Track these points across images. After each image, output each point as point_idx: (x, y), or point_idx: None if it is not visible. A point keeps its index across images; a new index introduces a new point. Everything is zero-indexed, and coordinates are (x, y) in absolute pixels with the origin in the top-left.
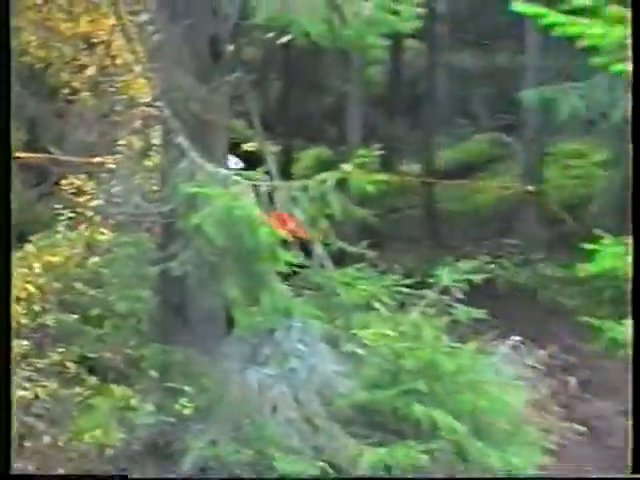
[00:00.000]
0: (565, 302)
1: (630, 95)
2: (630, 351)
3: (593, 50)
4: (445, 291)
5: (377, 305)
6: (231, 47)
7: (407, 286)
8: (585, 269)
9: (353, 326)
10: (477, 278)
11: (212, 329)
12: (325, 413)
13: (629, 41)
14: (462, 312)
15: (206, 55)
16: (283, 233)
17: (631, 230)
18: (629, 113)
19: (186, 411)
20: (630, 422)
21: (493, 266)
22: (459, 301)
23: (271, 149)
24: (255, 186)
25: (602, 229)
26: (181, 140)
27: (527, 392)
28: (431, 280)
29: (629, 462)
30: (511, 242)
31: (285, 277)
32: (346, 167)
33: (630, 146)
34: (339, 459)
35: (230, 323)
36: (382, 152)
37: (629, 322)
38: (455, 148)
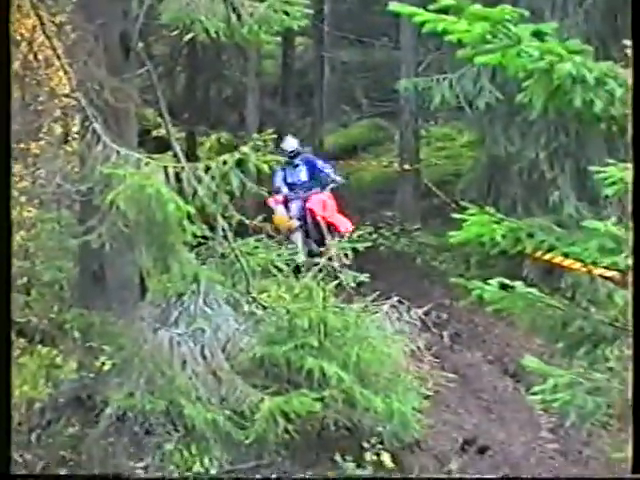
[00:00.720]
0: (438, 266)
1: (630, 95)
2: (631, 352)
3: (459, 44)
4: (334, 257)
5: (274, 271)
6: (140, 44)
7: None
8: (455, 236)
9: (253, 290)
10: (361, 246)
11: (127, 294)
12: (228, 367)
13: (490, 36)
14: (348, 276)
15: (118, 51)
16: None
17: (631, 230)
18: (492, 99)
19: (105, 367)
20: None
21: (375, 236)
22: (346, 267)
23: (177, 135)
24: (164, 167)
25: (469, 201)
26: (97, 127)
27: (405, 345)
28: (320, 248)
29: (492, 402)
30: (391, 214)
31: (192, 247)
32: (244, 149)
33: (631, 146)
34: (242, 407)
35: (143, 289)
36: (276, 136)
37: (494, 282)
38: (341, 132)
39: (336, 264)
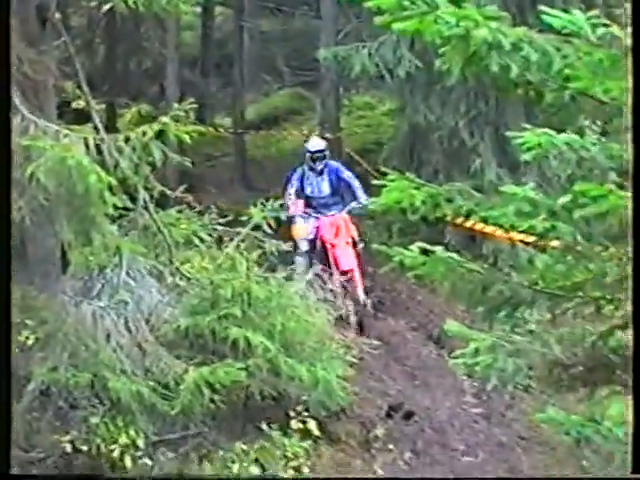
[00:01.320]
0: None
1: (630, 95)
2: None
3: (378, 11)
4: (256, 228)
5: (196, 242)
6: (58, 15)
7: (223, 224)
8: (375, 202)
9: (175, 261)
10: (283, 215)
11: (49, 268)
12: (153, 338)
13: (407, 2)
14: (271, 246)
15: (34, 22)
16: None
17: (632, 229)
18: (412, 68)
19: (29, 342)
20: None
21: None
22: (269, 236)
23: (97, 107)
24: (84, 139)
25: (391, 169)
26: (15, 99)
27: (329, 313)
28: (244, 219)
29: (416, 368)
30: None
31: (114, 219)
32: (164, 120)
33: (630, 145)
34: (166, 378)
35: (65, 262)
36: (197, 107)
37: (414, 247)
38: (262, 102)
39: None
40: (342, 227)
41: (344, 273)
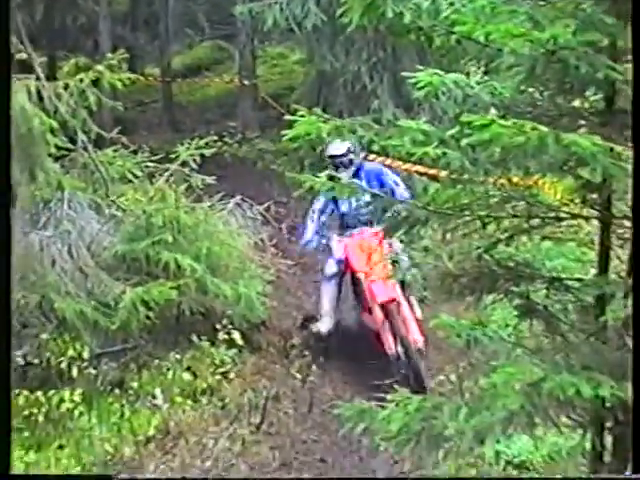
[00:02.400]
0: (276, 169)
1: (630, 95)
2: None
3: None
4: (183, 164)
5: (130, 177)
6: None
7: (153, 162)
8: (287, 135)
9: (112, 195)
10: (207, 152)
11: None
12: (93, 263)
13: None
14: (196, 179)
15: None
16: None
17: (632, 230)
18: (318, 21)
19: None
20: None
21: (220, 144)
22: (194, 171)
23: (38, 60)
24: (27, 87)
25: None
26: None
27: (249, 238)
28: (172, 156)
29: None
30: (233, 125)
31: (56, 159)
32: (98, 68)
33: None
34: (107, 298)
35: (13, 197)
36: (128, 58)
37: (323, 174)
38: (186, 54)
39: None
40: (375, 247)
41: (384, 306)
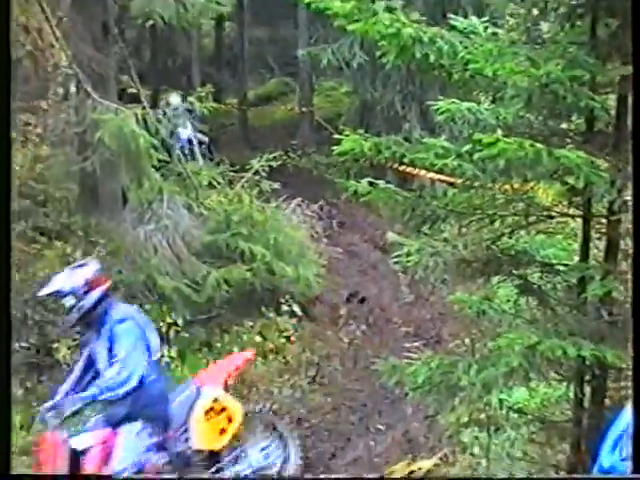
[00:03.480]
0: (328, 177)
1: (631, 95)
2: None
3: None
4: (256, 173)
5: (215, 183)
6: (116, 29)
7: (232, 171)
8: (337, 149)
9: (201, 197)
10: (274, 164)
11: (114, 204)
12: (186, 251)
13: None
14: (266, 185)
15: (100, 34)
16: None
17: (632, 229)
18: (362, 61)
19: (102, 254)
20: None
21: (285, 157)
22: (264, 179)
23: (144, 92)
24: (135, 113)
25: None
26: (87, 87)
27: (307, 230)
28: (247, 167)
29: (367, 268)
30: (294, 142)
31: (157, 169)
32: (191, 99)
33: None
34: (196, 278)
35: (125, 199)
36: (213, 91)
37: (364, 181)
38: (259, 88)
39: (257, 177)
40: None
41: None
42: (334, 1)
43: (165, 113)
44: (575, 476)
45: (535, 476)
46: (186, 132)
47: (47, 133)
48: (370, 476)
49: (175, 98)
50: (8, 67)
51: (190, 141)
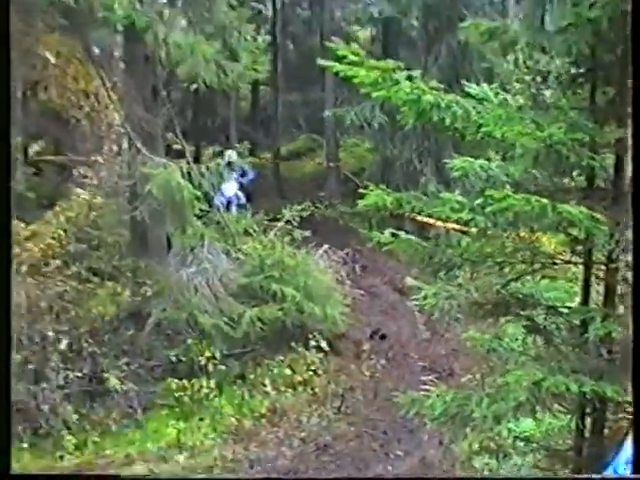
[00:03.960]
0: (353, 225)
1: (631, 95)
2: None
3: (361, 85)
4: (287, 222)
5: (250, 231)
6: (164, 92)
7: (267, 220)
8: (361, 203)
9: (238, 243)
10: (305, 214)
11: (160, 248)
12: (224, 291)
13: (380, 80)
14: (297, 233)
15: (149, 97)
16: None
17: (632, 230)
18: (382, 121)
19: (148, 294)
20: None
21: (313, 208)
22: (295, 227)
23: (188, 148)
24: (180, 168)
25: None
26: (138, 145)
27: (333, 274)
28: (279, 216)
29: (388, 308)
30: (322, 194)
31: (199, 217)
32: (230, 153)
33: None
34: (233, 316)
35: (169, 244)
36: (249, 147)
37: (386, 232)
38: (290, 144)
39: (289, 226)
40: None
41: None
42: (360, 70)
43: (208, 167)
44: (575, 476)
45: (535, 476)
46: (231, 189)
47: (102, 185)
48: (371, 476)
49: (233, 155)
50: (8, 67)
51: (235, 196)
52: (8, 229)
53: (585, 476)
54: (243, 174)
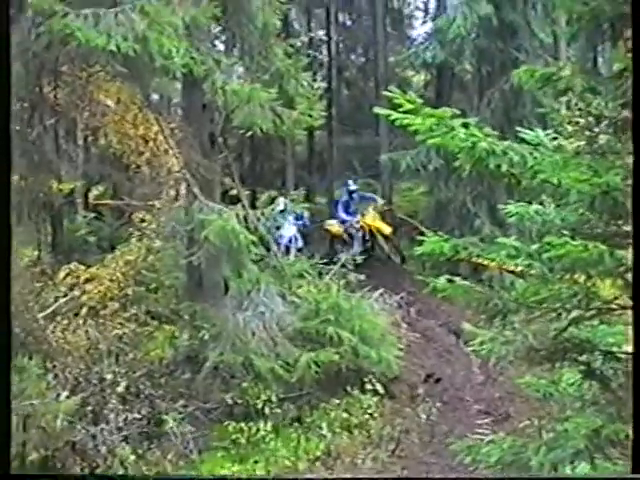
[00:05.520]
0: (408, 269)
1: (631, 96)
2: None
3: (417, 132)
4: (343, 266)
5: (305, 274)
6: (220, 138)
7: (321, 264)
8: (419, 250)
9: (293, 287)
10: (359, 258)
11: (217, 292)
12: (280, 335)
13: (436, 127)
14: (352, 276)
15: (207, 143)
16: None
17: (632, 230)
18: (437, 164)
19: (205, 337)
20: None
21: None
22: (350, 270)
23: (244, 193)
24: (236, 213)
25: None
26: (195, 190)
27: (388, 317)
28: (334, 260)
29: (442, 351)
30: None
31: (255, 262)
32: (286, 201)
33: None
34: (289, 359)
35: (226, 288)
36: (305, 192)
37: (442, 278)
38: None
39: (345, 269)
40: None
41: None
42: (416, 119)
43: (263, 213)
44: (575, 476)
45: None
46: (290, 231)
47: (160, 229)
48: (371, 476)
49: (285, 202)
50: (8, 68)
51: (291, 240)
52: (8, 231)
53: (585, 476)
54: (297, 218)
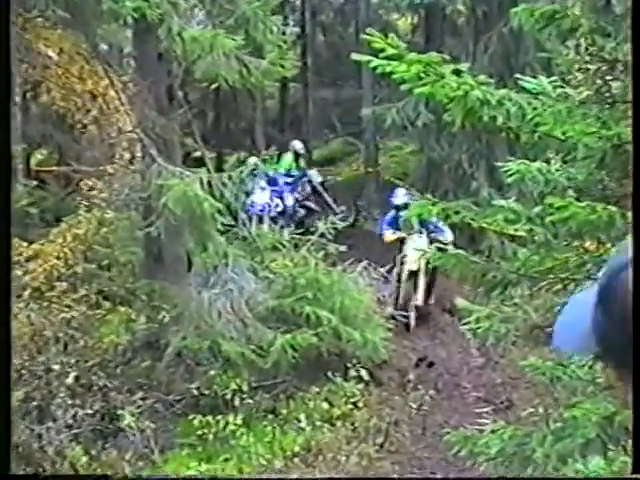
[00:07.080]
0: None
1: (631, 95)
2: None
3: (402, 81)
4: (321, 236)
5: (279, 247)
6: (180, 93)
7: (297, 234)
8: (405, 216)
9: (265, 261)
10: (341, 226)
11: (178, 268)
12: (251, 315)
13: (423, 74)
14: (332, 248)
15: (164, 98)
16: None
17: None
18: (427, 120)
19: (166, 320)
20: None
21: (351, 218)
22: (330, 241)
23: (208, 155)
24: (200, 178)
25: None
26: (152, 152)
27: (373, 294)
28: (312, 229)
29: (436, 331)
30: (360, 203)
31: (222, 233)
32: (254, 160)
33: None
34: (261, 343)
35: (189, 263)
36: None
37: (434, 246)
38: (323, 148)
39: (324, 240)
40: None
41: None
42: (400, 65)
43: (230, 177)
44: (575, 476)
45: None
46: (263, 198)
47: (112, 197)
48: (371, 476)
49: (254, 162)
50: (8, 64)
51: (264, 208)
52: (8, 232)
53: (584, 477)
54: (271, 182)
